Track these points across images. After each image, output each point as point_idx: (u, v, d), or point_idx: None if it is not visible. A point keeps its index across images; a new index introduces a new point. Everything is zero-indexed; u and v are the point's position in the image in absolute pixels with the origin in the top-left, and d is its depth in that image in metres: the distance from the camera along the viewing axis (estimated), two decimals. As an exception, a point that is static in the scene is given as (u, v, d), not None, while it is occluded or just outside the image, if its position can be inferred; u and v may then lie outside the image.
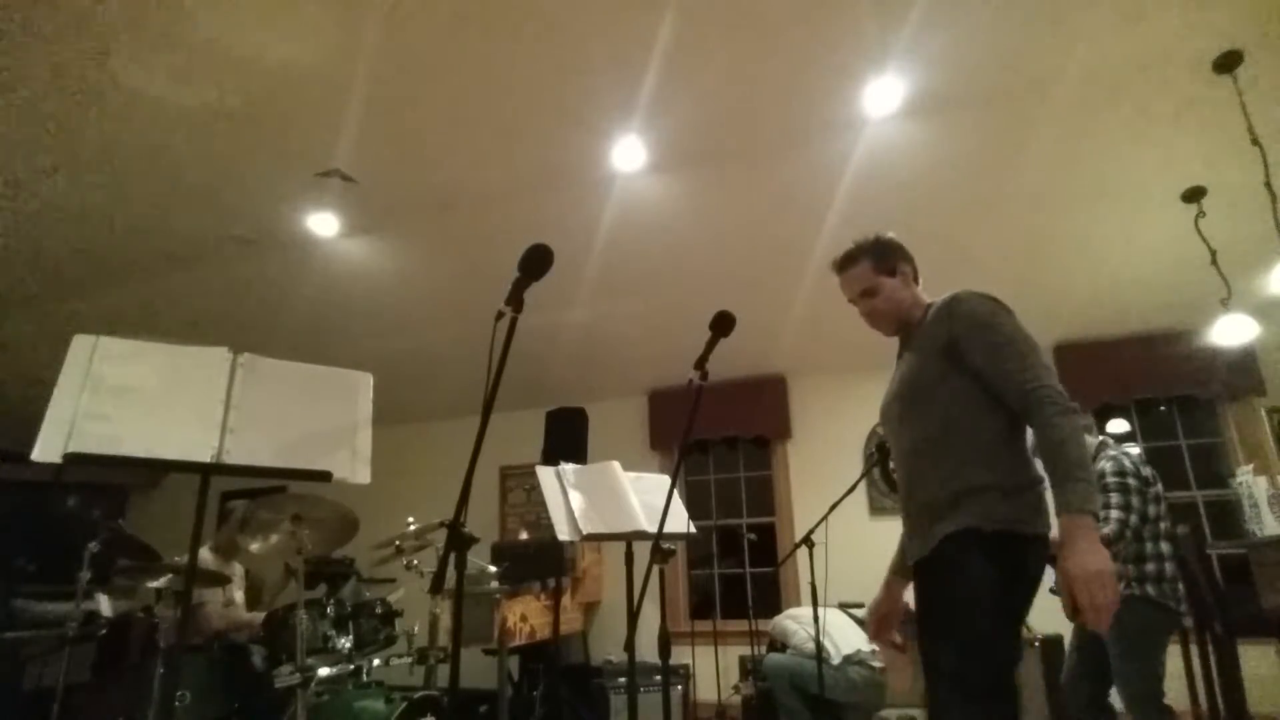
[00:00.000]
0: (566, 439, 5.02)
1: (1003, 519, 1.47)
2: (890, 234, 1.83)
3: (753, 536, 5.11)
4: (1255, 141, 2.96)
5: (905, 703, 3.85)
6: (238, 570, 3.46)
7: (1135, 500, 2.64)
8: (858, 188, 3.58)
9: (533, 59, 2.92)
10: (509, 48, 2.87)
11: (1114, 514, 2.63)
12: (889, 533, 1.85)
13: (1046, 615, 3.50)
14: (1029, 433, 1.53)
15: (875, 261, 1.79)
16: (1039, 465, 1.50)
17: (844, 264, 1.83)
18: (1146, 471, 2.71)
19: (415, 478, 5.59)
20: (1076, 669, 2.82)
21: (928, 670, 1.50)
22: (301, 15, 2.71)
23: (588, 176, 3.64)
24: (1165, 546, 2.66)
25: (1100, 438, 2.88)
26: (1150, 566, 2.62)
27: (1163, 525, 2.67)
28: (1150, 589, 2.60)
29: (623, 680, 4.34)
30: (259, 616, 3.14)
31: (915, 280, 1.82)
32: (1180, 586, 2.64)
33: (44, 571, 4.95)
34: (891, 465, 1.80)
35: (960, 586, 1.48)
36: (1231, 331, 3.19)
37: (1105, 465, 2.75)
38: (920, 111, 3.21)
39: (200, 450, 1.63)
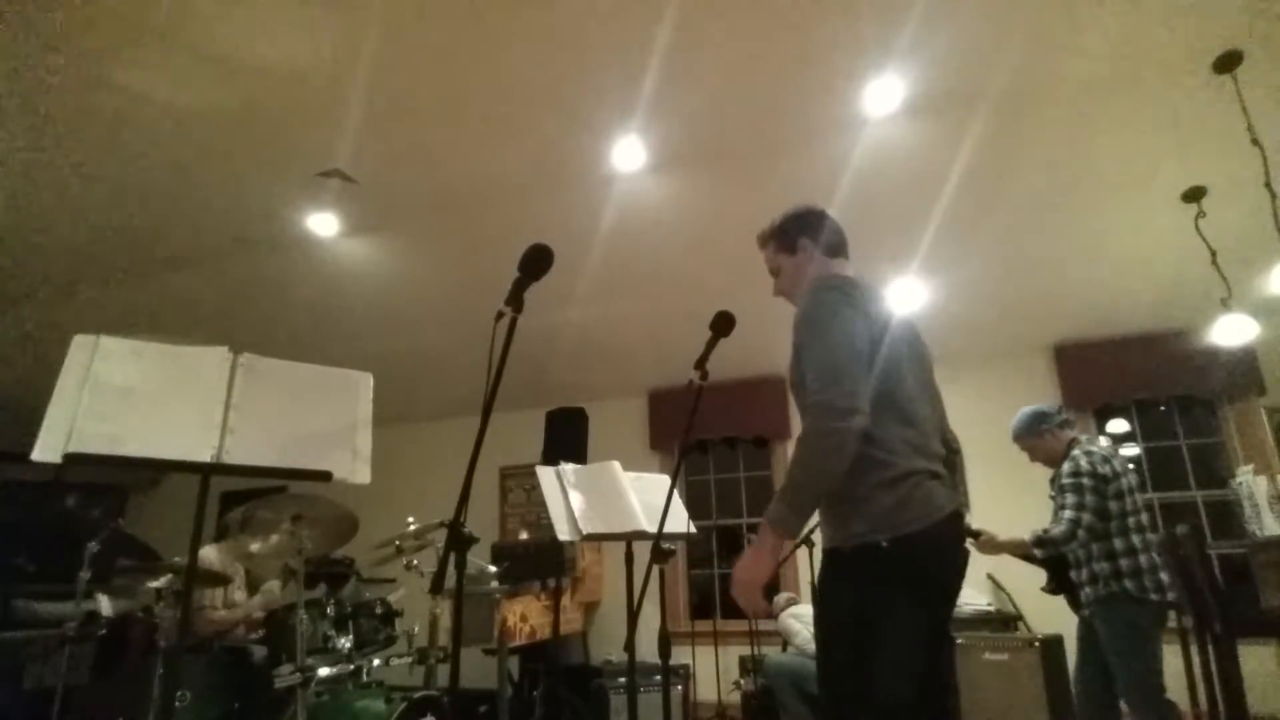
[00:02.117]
0: (566, 439, 5.02)
1: (857, 533, 1.38)
2: (807, 206, 1.75)
3: (752, 537, 5.11)
4: (1255, 141, 2.95)
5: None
6: (239, 571, 3.46)
7: (1090, 499, 2.62)
8: (858, 188, 3.57)
9: (533, 59, 2.92)
10: (509, 48, 2.87)
11: (1066, 514, 2.64)
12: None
13: (1047, 616, 3.52)
14: (904, 422, 1.45)
15: (778, 240, 1.75)
16: (911, 456, 1.42)
17: (760, 245, 1.81)
18: (1106, 469, 2.68)
19: (415, 478, 5.59)
20: (1084, 671, 2.82)
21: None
22: (302, 16, 2.70)
23: (588, 176, 3.64)
24: (1137, 539, 2.63)
25: (1072, 436, 2.88)
26: (1124, 562, 2.60)
27: (1132, 519, 2.64)
28: (1128, 584, 2.58)
29: (623, 680, 4.33)
30: (253, 604, 3.14)
31: (833, 253, 1.71)
32: (1163, 576, 2.61)
33: (44, 571, 4.95)
34: None
35: (826, 612, 1.45)
36: (1231, 331, 3.19)
37: (1065, 466, 2.76)
38: (920, 111, 3.20)
39: (200, 450, 1.63)
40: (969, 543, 2.48)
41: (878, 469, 1.40)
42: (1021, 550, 2.84)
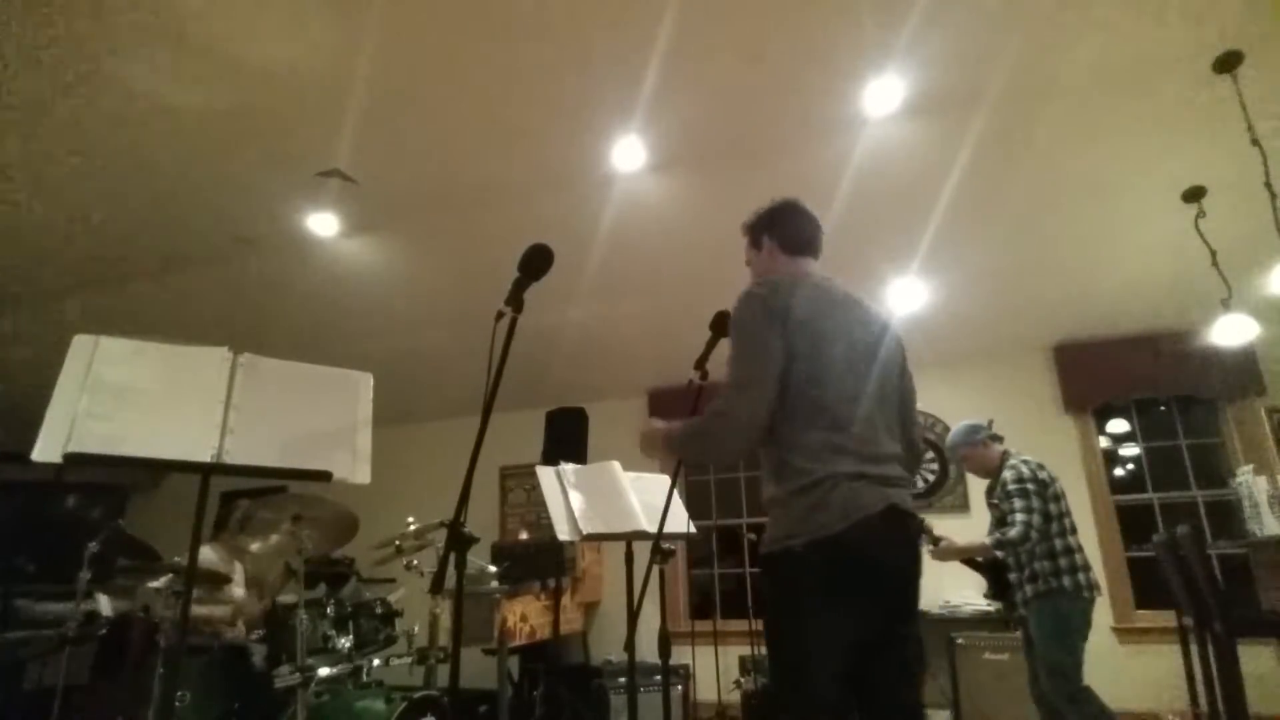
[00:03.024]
0: (566, 439, 5.01)
1: (776, 537, 1.43)
2: (780, 202, 1.81)
3: (753, 536, 5.11)
4: (1255, 141, 2.95)
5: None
6: (236, 568, 3.45)
7: (1036, 502, 2.83)
8: (858, 188, 3.57)
9: (532, 59, 2.92)
10: (508, 47, 2.87)
11: (1019, 517, 2.82)
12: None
13: (1046, 615, 3.50)
14: (830, 426, 1.45)
15: (749, 236, 1.85)
16: (832, 459, 1.43)
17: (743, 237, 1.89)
18: (1043, 475, 2.90)
19: (415, 478, 5.58)
20: (1032, 671, 2.97)
21: None
22: (301, 15, 2.70)
23: (588, 176, 3.64)
24: (1073, 540, 2.85)
25: (1002, 449, 3.10)
26: (1063, 561, 2.80)
27: (1067, 521, 2.87)
28: (1065, 581, 2.76)
29: (623, 680, 4.33)
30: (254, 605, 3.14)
31: (796, 250, 1.75)
32: (1092, 575, 2.81)
33: (44, 571, 4.94)
34: None
35: (763, 614, 1.49)
36: (1231, 331, 3.19)
37: (1006, 474, 2.96)
38: (920, 111, 3.20)
39: (200, 450, 1.63)
40: (926, 549, 2.77)
41: (794, 475, 1.44)
42: (983, 554, 3.05)
